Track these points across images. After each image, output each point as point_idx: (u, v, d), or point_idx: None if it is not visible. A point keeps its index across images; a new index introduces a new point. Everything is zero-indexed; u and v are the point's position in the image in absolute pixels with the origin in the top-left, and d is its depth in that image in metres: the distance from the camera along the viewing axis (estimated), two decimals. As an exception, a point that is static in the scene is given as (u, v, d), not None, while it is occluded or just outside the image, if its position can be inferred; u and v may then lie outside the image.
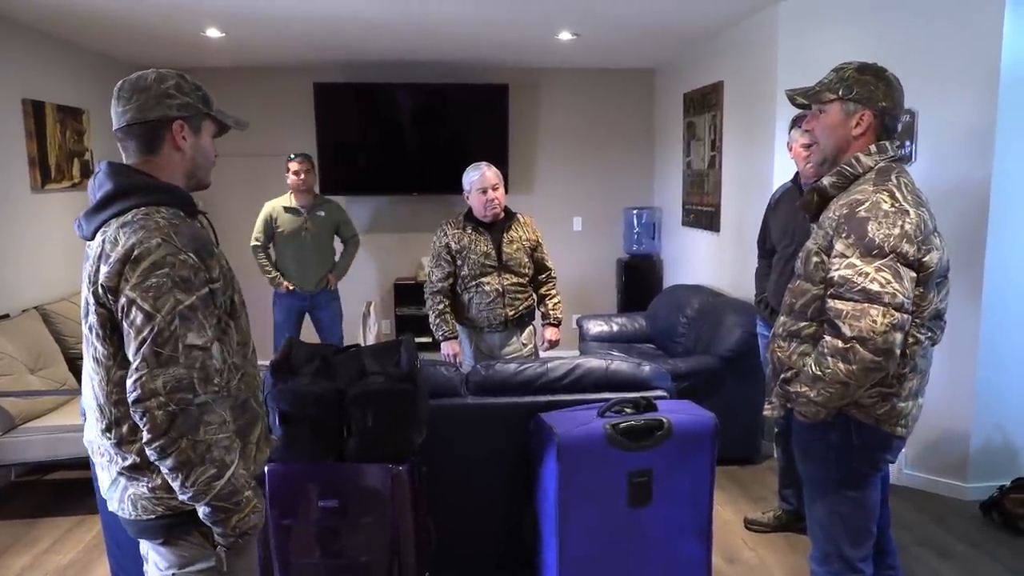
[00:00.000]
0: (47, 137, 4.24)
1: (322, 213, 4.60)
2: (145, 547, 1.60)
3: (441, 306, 3.46)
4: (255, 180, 5.54)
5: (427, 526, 2.41)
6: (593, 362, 2.71)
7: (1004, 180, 3.21)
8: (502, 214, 3.47)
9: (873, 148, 1.88)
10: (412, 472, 2.23)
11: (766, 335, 3.13)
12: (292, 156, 4.53)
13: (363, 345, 2.39)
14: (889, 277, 1.72)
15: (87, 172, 4.65)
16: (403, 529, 2.21)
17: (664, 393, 2.65)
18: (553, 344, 3.64)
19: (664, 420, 2.36)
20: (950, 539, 3.10)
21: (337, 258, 4.75)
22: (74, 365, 3.89)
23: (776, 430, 3.21)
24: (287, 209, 4.52)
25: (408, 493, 2.20)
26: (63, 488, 3.74)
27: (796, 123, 2.92)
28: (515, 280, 3.47)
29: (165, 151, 1.50)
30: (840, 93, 1.90)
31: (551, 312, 3.63)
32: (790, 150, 3.00)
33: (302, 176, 4.48)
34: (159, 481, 1.43)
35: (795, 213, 2.86)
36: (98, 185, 1.46)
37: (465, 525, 2.63)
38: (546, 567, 2.47)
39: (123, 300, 1.35)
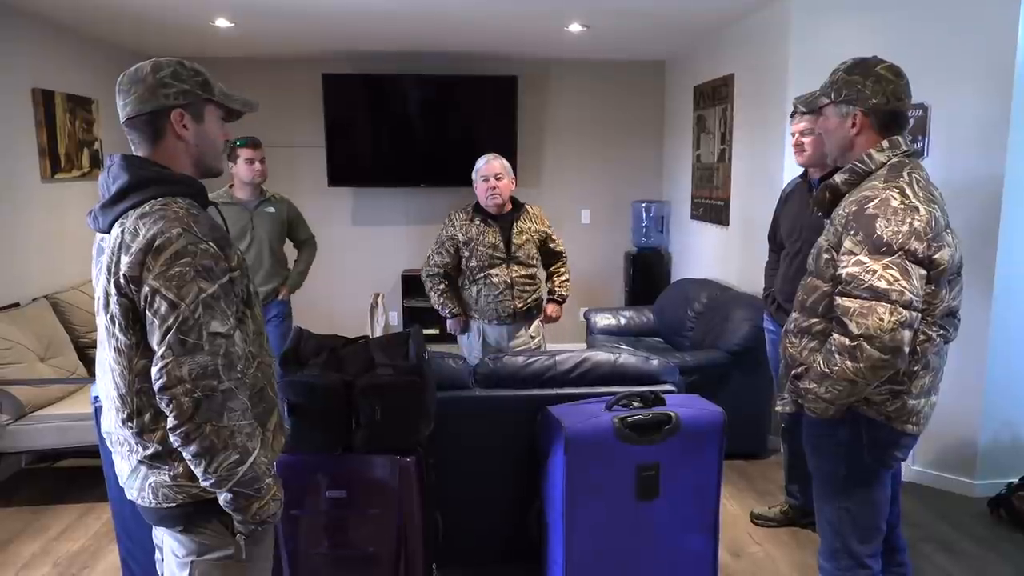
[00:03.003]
0: (57, 127, 4.25)
1: (271, 210, 3.79)
2: (160, 536, 1.61)
3: (442, 286, 3.50)
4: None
5: (434, 518, 2.42)
6: (601, 355, 2.71)
7: (1017, 175, 3.18)
8: (507, 206, 3.47)
9: (885, 144, 1.86)
10: (419, 464, 2.23)
11: (772, 330, 3.13)
12: (242, 142, 3.62)
13: (371, 337, 2.39)
14: (897, 275, 1.71)
15: (97, 162, 4.67)
16: (410, 521, 2.22)
17: (672, 387, 2.65)
18: (552, 319, 3.63)
19: (672, 414, 2.35)
20: (957, 536, 3.09)
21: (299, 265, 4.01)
22: (84, 354, 3.91)
23: (783, 425, 3.21)
24: (225, 204, 3.60)
25: (415, 485, 2.21)
26: (73, 476, 3.77)
27: (793, 114, 2.93)
28: (524, 272, 3.47)
29: (168, 141, 1.49)
30: (832, 96, 1.91)
31: (556, 288, 3.65)
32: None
33: (257, 166, 3.66)
34: (180, 469, 1.44)
35: (803, 209, 2.86)
36: (112, 178, 1.45)
37: (472, 517, 2.64)
38: (552, 560, 2.48)
39: (146, 290, 1.36)
